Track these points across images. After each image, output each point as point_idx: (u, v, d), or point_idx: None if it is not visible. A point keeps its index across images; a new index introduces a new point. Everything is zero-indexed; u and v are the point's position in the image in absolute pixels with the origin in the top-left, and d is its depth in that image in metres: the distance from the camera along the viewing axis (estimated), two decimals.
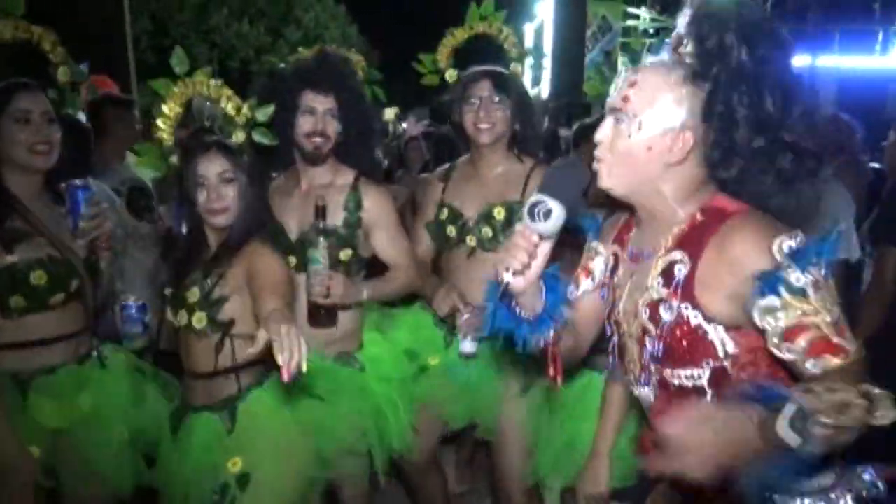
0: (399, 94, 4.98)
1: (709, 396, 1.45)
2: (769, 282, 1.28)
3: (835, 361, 1.25)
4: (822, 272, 1.28)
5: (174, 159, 2.18)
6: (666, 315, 1.45)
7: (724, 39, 1.38)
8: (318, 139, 2.38)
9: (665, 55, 1.53)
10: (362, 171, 2.53)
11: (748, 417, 1.18)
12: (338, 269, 2.35)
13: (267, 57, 21.02)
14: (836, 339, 1.26)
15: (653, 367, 1.52)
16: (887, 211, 3.19)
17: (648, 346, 1.51)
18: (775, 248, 1.30)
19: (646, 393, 1.59)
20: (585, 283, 1.71)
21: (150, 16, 19.61)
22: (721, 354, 1.43)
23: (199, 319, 2.06)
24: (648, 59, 1.61)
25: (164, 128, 2.18)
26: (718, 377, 1.44)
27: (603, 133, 1.49)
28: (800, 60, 12.08)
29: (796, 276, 1.27)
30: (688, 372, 1.48)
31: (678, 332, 1.44)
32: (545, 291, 1.49)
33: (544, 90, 14.87)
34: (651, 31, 15.23)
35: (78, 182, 2.15)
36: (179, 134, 2.30)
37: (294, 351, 1.47)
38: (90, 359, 2.21)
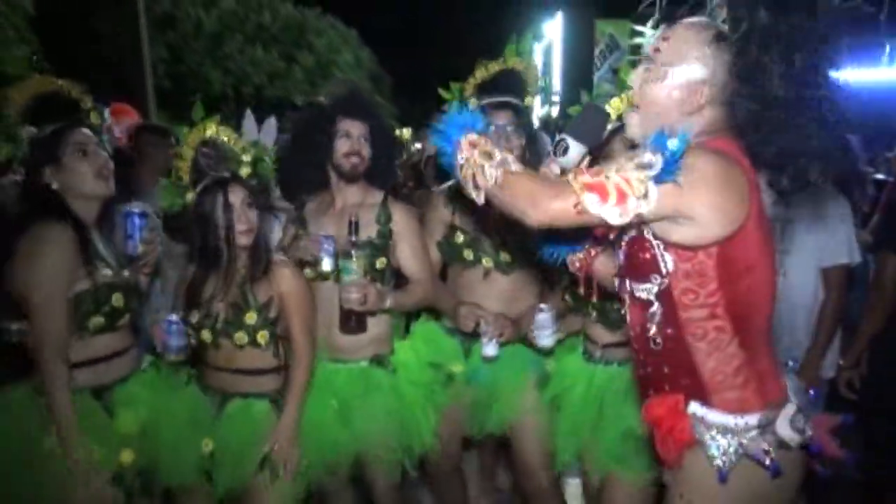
0: (408, 114, 5.13)
1: (654, 307, 1.65)
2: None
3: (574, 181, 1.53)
4: (649, 156, 1.47)
5: (190, 196, 2.40)
6: (631, 232, 1.65)
7: (755, 8, 1.54)
8: (355, 159, 2.64)
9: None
10: (389, 190, 2.77)
11: None
12: (374, 277, 2.58)
13: (280, 82, 21.37)
14: (596, 180, 1.50)
15: (625, 281, 1.73)
16: (888, 218, 3.26)
17: (619, 258, 1.75)
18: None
19: (626, 313, 1.79)
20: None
21: (167, 44, 20.00)
22: (663, 271, 1.61)
23: (262, 336, 2.35)
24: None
25: (182, 168, 2.42)
26: (664, 295, 1.63)
27: (635, 78, 1.68)
28: None
29: (648, 157, 1.47)
30: (642, 286, 1.67)
31: (634, 247, 1.64)
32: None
33: (554, 110, 15.02)
34: None
35: (136, 208, 2.33)
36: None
37: None
38: (147, 368, 2.39)
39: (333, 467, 2.52)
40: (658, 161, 1.45)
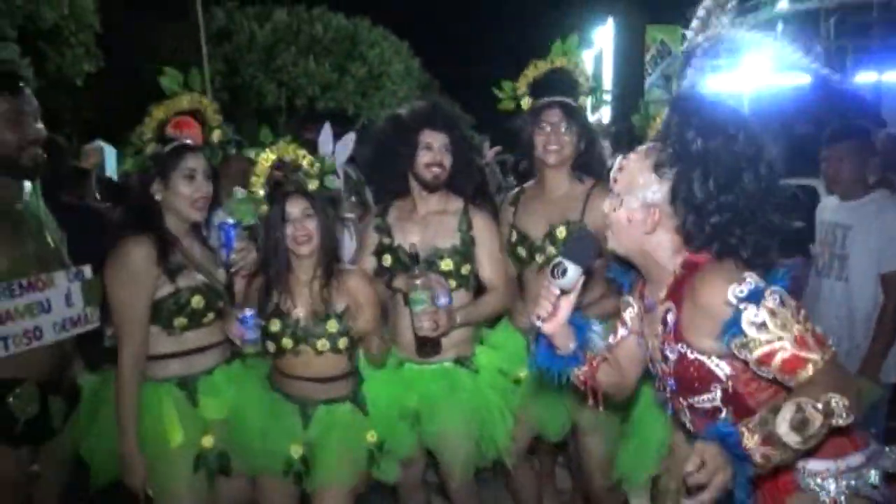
0: None
1: (724, 414, 1.70)
2: (733, 325, 1.55)
3: (805, 373, 1.51)
4: (777, 300, 1.53)
5: (264, 209, 2.57)
6: (671, 355, 1.72)
7: (685, 135, 1.67)
8: (436, 169, 2.74)
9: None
10: (469, 198, 2.87)
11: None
12: (460, 283, 2.71)
13: (333, 93, 21.69)
14: (802, 353, 1.52)
15: (681, 401, 1.79)
16: None
17: (669, 385, 1.80)
18: (731, 297, 1.56)
19: (686, 420, 1.85)
20: (621, 331, 2.01)
21: (224, 58, 20.53)
22: (722, 378, 1.69)
23: (343, 343, 2.51)
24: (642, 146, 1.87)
25: (256, 184, 2.60)
26: (729, 396, 1.70)
27: (605, 206, 1.85)
28: (865, 77, 11.86)
29: (753, 313, 1.53)
30: (702, 397, 1.74)
31: (682, 367, 1.70)
32: (577, 333, 1.83)
33: (605, 115, 14.96)
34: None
35: (230, 220, 2.54)
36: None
37: None
38: (234, 361, 2.56)
39: (408, 464, 2.66)
40: (777, 298, 1.55)
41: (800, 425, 1.43)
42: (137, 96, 2.55)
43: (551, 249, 2.75)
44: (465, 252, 2.74)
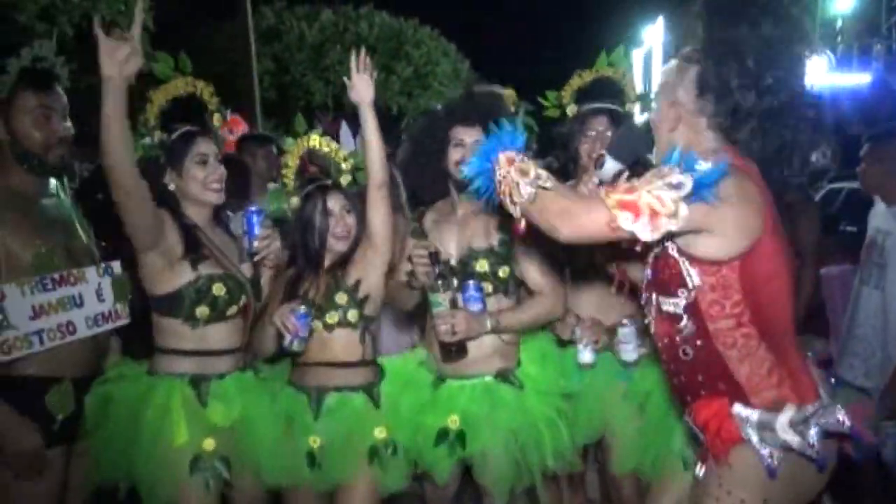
0: None
1: (684, 322, 1.76)
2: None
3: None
4: (677, 176, 1.59)
5: (295, 201, 2.57)
6: (656, 248, 1.77)
7: (711, 28, 1.67)
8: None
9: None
10: None
11: None
12: (497, 287, 2.57)
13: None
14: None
15: (652, 296, 1.84)
16: None
17: (647, 275, 1.86)
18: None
19: (653, 328, 1.90)
20: None
21: (273, 57, 20.80)
22: (689, 286, 1.71)
23: (353, 315, 2.50)
24: None
25: (288, 175, 2.61)
26: (691, 308, 1.74)
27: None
28: None
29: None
30: (669, 300, 1.78)
31: (662, 262, 1.75)
32: None
33: None
34: None
35: (252, 207, 2.47)
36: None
37: None
38: (248, 370, 2.51)
39: (441, 480, 2.53)
40: (688, 182, 1.59)
41: (523, 172, 1.70)
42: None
43: (598, 256, 2.68)
44: (504, 254, 2.57)
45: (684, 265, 1.70)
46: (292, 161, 2.63)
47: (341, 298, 2.50)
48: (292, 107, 19.55)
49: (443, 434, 2.49)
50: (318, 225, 2.51)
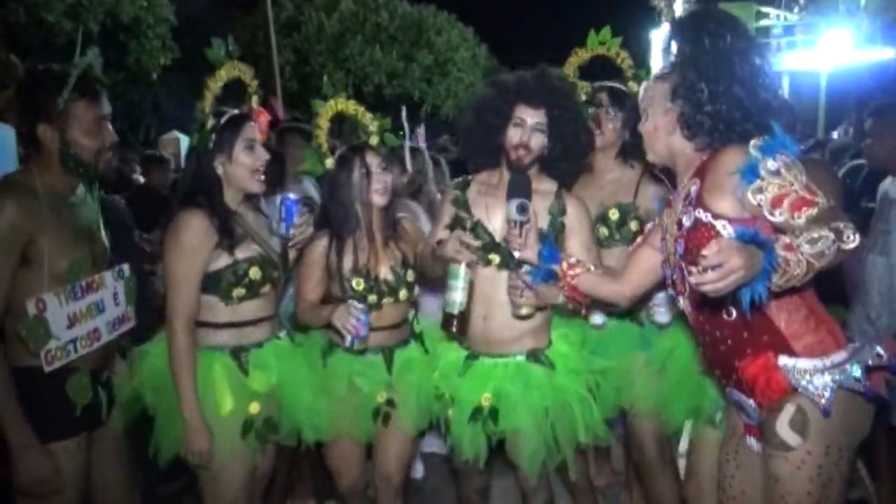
0: None
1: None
2: (751, 170, 1.71)
3: (812, 210, 1.66)
4: (789, 157, 1.71)
5: (329, 162, 2.65)
6: (686, 222, 1.88)
7: (678, 44, 1.94)
8: (521, 151, 2.49)
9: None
10: (563, 184, 2.66)
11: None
12: None
13: (399, 80, 21.84)
14: (809, 196, 1.68)
15: (684, 269, 1.89)
16: None
17: (677, 249, 1.92)
18: (750, 148, 1.74)
19: (686, 304, 2.00)
20: (638, 240, 2.34)
21: (293, 48, 20.92)
22: None
23: (416, 290, 2.71)
24: None
25: (320, 136, 2.68)
26: None
27: (639, 126, 2.10)
28: None
29: (770, 163, 1.70)
30: None
31: (695, 231, 1.84)
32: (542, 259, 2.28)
33: None
34: (782, 30, 14.65)
35: (291, 195, 2.54)
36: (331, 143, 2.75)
37: None
38: (283, 337, 2.61)
39: (472, 455, 2.58)
40: (788, 155, 1.73)
41: (814, 239, 1.58)
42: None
43: (603, 230, 2.76)
44: (554, 236, 2.50)
45: (721, 224, 1.78)
46: (323, 123, 2.70)
47: (410, 276, 2.65)
48: (314, 97, 19.63)
49: (477, 411, 2.53)
50: (360, 184, 2.59)
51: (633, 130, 2.70)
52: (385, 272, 2.62)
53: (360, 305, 2.44)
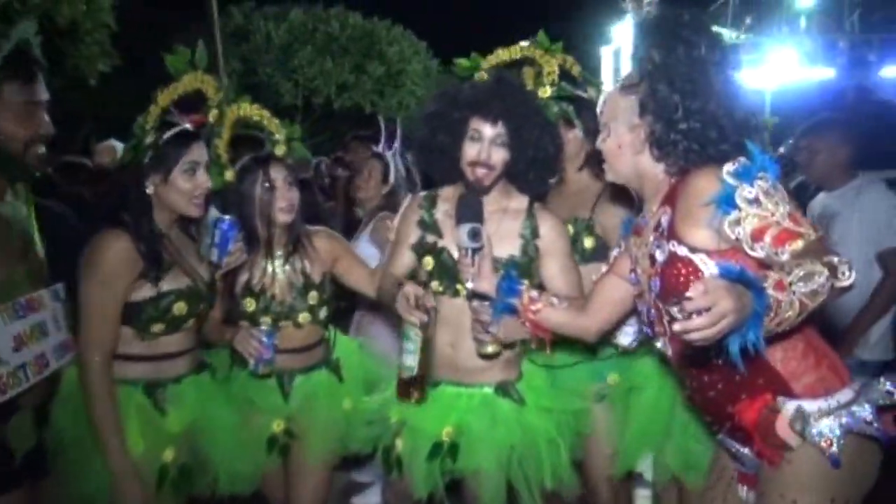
0: None
1: None
2: (727, 200, 1.54)
3: (796, 245, 1.48)
4: (769, 181, 1.54)
5: (229, 174, 2.41)
6: (660, 256, 1.69)
7: (648, 51, 1.73)
8: (480, 171, 2.27)
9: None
10: (535, 196, 2.44)
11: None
12: None
13: (349, 93, 21.59)
14: (793, 227, 1.50)
15: (662, 309, 1.71)
16: None
17: (652, 288, 1.73)
18: (724, 174, 1.57)
19: (666, 346, 1.80)
20: (603, 269, 2.11)
21: (241, 58, 20.50)
22: None
23: (325, 311, 2.50)
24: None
25: (220, 146, 2.44)
26: None
27: (597, 141, 1.93)
28: (891, 71, 11.59)
29: (748, 190, 1.53)
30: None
31: (671, 267, 1.65)
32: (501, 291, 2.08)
33: None
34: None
35: (227, 218, 2.32)
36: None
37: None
38: (204, 370, 2.37)
39: (421, 492, 2.33)
40: (769, 179, 1.57)
41: (807, 276, 1.38)
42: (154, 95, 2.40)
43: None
44: (527, 264, 2.29)
45: (699, 258, 1.60)
46: (225, 132, 2.43)
47: (313, 298, 2.44)
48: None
49: (436, 449, 2.27)
50: (261, 199, 2.39)
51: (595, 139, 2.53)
52: (283, 293, 2.41)
53: (264, 327, 2.27)
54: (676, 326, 1.30)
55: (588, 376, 2.57)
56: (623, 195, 2.33)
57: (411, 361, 2.16)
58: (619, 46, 18.63)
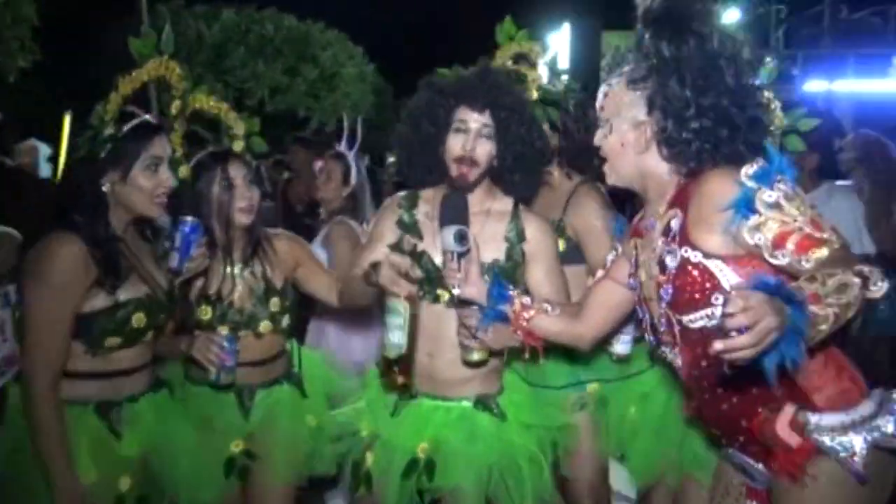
0: None
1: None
2: (746, 204, 1.47)
3: (822, 252, 1.41)
4: (789, 184, 1.48)
5: (184, 170, 2.28)
6: (671, 262, 1.61)
7: (657, 44, 1.64)
8: (464, 167, 2.20)
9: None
10: (520, 198, 2.35)
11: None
12: None
13: (283, 96, 21.27)
14: (816, 234, 1.43)
15: (672, 318, 1.63)
16: None
17: (663, 296, 1.64)
18: (742, 177, 1.50)
19: (675, 356, 1.72)
20: (598, 274, 2.04)
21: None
22: (726, 286, 1.54)
23: (286, 320, 2.38)
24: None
25: (175, 141, 2.30)
26: None
27: (596, 138, 1.83)
28: (816, 85, 12.12)
29: (767, 194, 1.46)
30: (699, 314, 1.60)
31: (684, 274, 1.58)
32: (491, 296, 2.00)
33: None
34: None
35: (189, 219, 2.15)
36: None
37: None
38: (162, 387, 2.22)
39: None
40: (787, 182, 1.52)
41: (840, 288, 1.30)
42: (79, 95, 2.25)
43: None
44: (512, 269, 2.23)
45: (715, 266, 1.54)
46: (179, 124, 2.32)
47: (275, 305, 2.31)
48: None
49: (411, 465, 2.18)
50: (219, 199, 2.26)
51: (566, 135, 2.52)
52: (242, 300, 2.27)
53: (224, 332, 2.16)
54: (717, 345, 1.22)
55: (564, 390, 2.57)
56: (597, 195, 2.30)
57: (398, 338, 1.99)
58: (555, 54, 18.96)
